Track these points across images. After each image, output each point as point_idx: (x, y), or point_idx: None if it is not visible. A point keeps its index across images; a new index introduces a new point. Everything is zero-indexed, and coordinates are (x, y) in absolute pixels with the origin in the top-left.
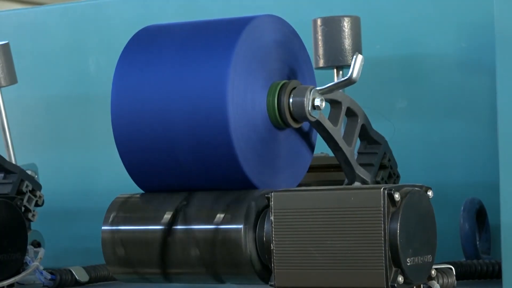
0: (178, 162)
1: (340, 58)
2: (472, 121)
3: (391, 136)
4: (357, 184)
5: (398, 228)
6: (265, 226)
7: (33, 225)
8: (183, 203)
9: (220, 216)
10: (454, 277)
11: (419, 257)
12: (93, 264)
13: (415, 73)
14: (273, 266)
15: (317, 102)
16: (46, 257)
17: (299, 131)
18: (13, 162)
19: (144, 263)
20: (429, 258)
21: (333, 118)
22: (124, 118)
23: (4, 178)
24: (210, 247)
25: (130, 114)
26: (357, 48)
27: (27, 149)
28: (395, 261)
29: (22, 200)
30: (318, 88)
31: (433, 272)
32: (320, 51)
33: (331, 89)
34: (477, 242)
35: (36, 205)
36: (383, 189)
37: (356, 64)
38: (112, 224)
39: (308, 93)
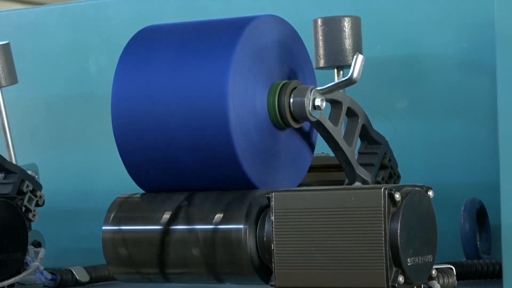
0: (179, 162)
1: (340, 58)
2: (473, 121)
3: (392, 136)
4: (357, 184)
5: (399, 228)
6: (265, 226)
7: (33, 225)
8: (183, 203)
9: (220, 216)
10: (455, 277)
11: (420, 257)
12: (93, 264)
13: (415, 73)
14: (274, 266)
15: (318, 102)
16: (46, 257)
17: (300, 131)
18: (14, 162)
19: (144, 263)
20: (429, 258)
21: (334, 118)
22: (124, 118)
23: (5, 178)
24: (211, 247)
25: (130, 114)
26: (357, 48)
27: (27, 149)
28: (396, 261)
29: (23, 200)
30: (318, 88)
31: (433, 272)
32: (321, 51)
33: (331, 89)
34: (478, 242)
35: (37, 205)
36: (384, 189)
37: (357, 64)
38: (112, 224)
39: (309, 93)
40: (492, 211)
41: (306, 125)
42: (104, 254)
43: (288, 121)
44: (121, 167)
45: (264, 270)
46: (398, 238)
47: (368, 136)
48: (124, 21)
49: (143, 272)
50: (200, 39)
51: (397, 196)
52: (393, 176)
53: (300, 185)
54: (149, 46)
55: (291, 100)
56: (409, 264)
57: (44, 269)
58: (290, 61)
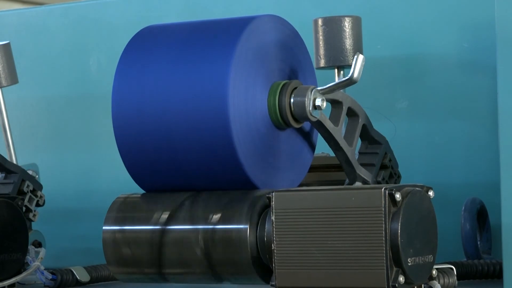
0: (179, 162)
1: (341, 58)
2: (473, 121)
3: (392, 136)
4: (358, 184)
5: (399, 228)
6: (266, 226)
7: (34, 225)
8: (184, 203)
9: (221, 216)
10: (455, 277)
11: (420, 257)
12: (94, 264)
13: (416, 73)
14: (274, 266)
15: (318, 102)
16: (47, 257)
17: (300, 131)
18: (14, 162)
19: (145, 263)
20: (430, 258)
21: (334, 118)
22: (125, 118)
23: (5, 178)
24: (211, 247)
25: (131, 114)
26: (358, 48)
27: (28, 149)
28: (396, 261)
29: (23, 200)
30: (319, 88)
31: (434, 272)
32: (321, 51)
33: (332, 89)
34: (478, 242)
35: (37, 205)
36: (384, 189)
37: (357, 64)
38: (113, 224)
39: (309, 93)
40: (493, 211)
41: (306, 125)
42: (105, 254)
43: (288, 121)
44: (121, 167)
45: (264, 270)
46: (399, 238)
47: (369, 136)
48: (125, 21)
49: (144, 272)
50: (201, 39)
51: (398, 196)
52: (393, 176)
53: (300, 185)
54: (150, 46)
55: (292, 100)
56: (409, 264)
57: (45, 269)
58: (290, 61)
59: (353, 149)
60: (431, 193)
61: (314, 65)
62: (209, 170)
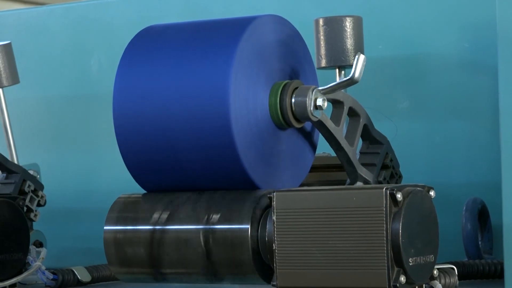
0: (180, 162)
1: (342, 58)
2: (474, 121)
3: (393, 136)
4: (359, 184)
5: (400, 228)
6: (267, 226)
7: (35, 225)
8: (185, 203)
9: (222, 216)
10: (456, 277)
11: (421, 257)
12: (95, 264)
13: (417, 73)
14: (275, 266)
15: (319, 102)
16: (48, 257)
17: (301, 131)
18: (15, 162)
19: (146, 263)
20: (431, 258)
21: (335, 118)
22: (126, 118)
23: (6, 178)
24: (212, 247)
25: (132, 114)
26: (359, 48)
27: (29, 149)
28: (397, 261)
29: (24, 200)
30: (320, 88)
31: (435, 272)
32: (322, 51)
33: (333, 89)
34: (479, 242)
35: (38, 205)
36: (385, 189)
37: (358, 64)
38: (114, 224)
39: (310, 93)
40: (494, 211)
41: (307, 125)
42: (106, 254)
43: (289, 121)
44: (122, 167)
45: (265, 270)
46: (400, 238)
47: (370, 136)
48: (126, 21)
49: (145, 272)
50: (202, 39)
51: (399, 196)
52: (394, 176)
53: (302, 185)
54: (151, 46)
55: (293, 100)
56: (410, 264)
57: (46, 269)
58: (291, 61)
59: (354, 149)
60: (432, 193)
61: (315, 65)
62: (210, 170)
